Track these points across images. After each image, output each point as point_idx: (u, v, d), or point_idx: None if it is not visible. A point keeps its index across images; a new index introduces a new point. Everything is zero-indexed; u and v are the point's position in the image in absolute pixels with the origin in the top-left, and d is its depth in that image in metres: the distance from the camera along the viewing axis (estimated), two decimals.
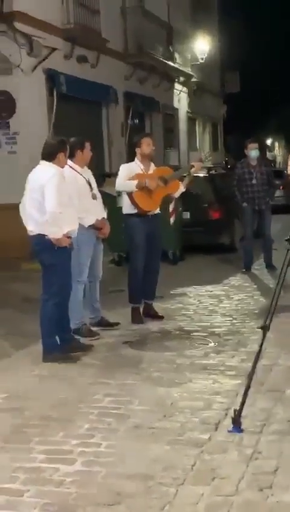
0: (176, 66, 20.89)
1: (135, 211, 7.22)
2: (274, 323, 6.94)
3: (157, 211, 7.44)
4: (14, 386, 5.30)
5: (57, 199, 5.75)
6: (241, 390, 4.72)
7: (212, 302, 8.39)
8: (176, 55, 21.46)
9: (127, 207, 7.30)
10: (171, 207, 11.92)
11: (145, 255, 7.32)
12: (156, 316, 7.47)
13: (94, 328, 6.90)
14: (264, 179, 10.48)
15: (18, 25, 12.36)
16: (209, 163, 7.13)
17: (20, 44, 12.40)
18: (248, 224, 10.65)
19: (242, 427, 4.18)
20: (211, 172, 13.93)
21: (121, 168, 7.38)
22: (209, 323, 7.24)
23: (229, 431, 4.18)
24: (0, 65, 12.30)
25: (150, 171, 7.33)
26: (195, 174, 7.70)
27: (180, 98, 23.02)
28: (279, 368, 5.55)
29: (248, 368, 5.46)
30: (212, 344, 6.35)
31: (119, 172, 7.30)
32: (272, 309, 4.35)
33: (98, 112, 16.41)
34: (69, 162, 6.57)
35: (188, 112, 24.03)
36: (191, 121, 24.75)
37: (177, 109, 22.72)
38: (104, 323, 7.02)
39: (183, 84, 22.87)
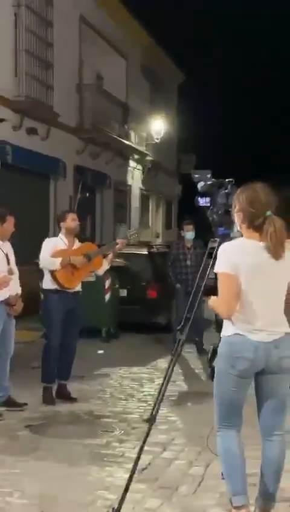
0: (130, 144, 21.14)
1: (55, 287, 7.04)
2: (187, 413, 6.81)
3: (79, 288, 7.27)
4: None
5: None
6: (134, 485, 4.46)
7: (132, 386, 8.13)
8: (132, 134, 21.77)
9: (47, 282, 7.12)
10: (106, 284, 11.79)
11: (63, 333, 7.10)
12: (68, 398, 7.18)
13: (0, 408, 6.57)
14: (199, 260, 10.43)
15: None
16: (136, 240, 6.99)
17: None
18: (180, 306, 10.51)
19: None
20: (151, 250, 13.90)
21: (44, 242, 7.21)
22: (122, 409, 6.97)
23: None
24: None
25: (74, 247, 7.21)
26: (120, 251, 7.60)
27: (134, 175, 23.24)
28: (179, 462, 5.30)
29: (148, 460, 5.24)
30: (117, 432, 6.07)
31: (43, 248, 7.14)
32: (159, 400, 4.13)
33: (45, 184, 16.37)
34: None
35: (141, 189, 24.22)
36: (144, 198, 24.94)
37: (130, 186, 22.89)
38: (11, 403, 6.70)
39: (137, 161, 23.13)
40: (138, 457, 4.16)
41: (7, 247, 6.65)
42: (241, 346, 3.73)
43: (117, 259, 12.78)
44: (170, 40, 25.86)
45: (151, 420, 4.13)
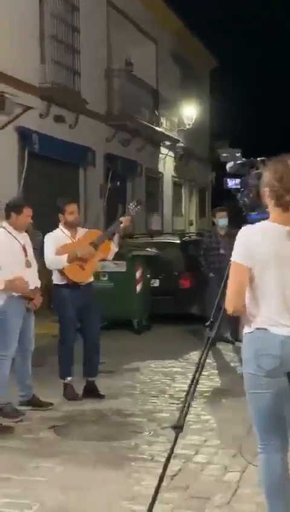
0: (161, 130, 20.68)
1: (65, 281, 6.68)
2: (222, 411, 6.40)
3: (91, 279, 6.89)
4: None
5: None
6: (163, 495, 4.08)
7: (164, 381, 7.75)
8: (163, 120, 21.30)
9: (56, 277, 6.76)
10: (138, 274, 11.42)
11: (81, 329, 6.75)
12: (96, 395, 6.82)
13: (23, 408, 6.25)
14: (233, 248, 9.96)
15: None
16: (136, 213, 6.34)
17: None
18: (214, 296, 10.05)
19: None
20: (184, 239, 13.48)
21: (46, 239, 6.77)
22: (152, 407, 6.58)
23: None
24: None
25: (78, 236, 6.83)
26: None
27: (166, 162, 22.76)
28: (213, 467, 4.89)
29: (179, 465, 4.86)
30: (146, 433, 5.68)
31: (46, 246, 6.69)
32: (187, 406, 3.72)
33: (74, 173, 16.01)
34: (5, 223, 6.08)
35: (173, 177, 23.75)
36: (176, 185, 24.47)
37: (161, 173, 22.44)
38: (36, 403, 6.36)
39: (169, 148, 22.65)
40: (165, 467, 3.77)
41: (24, 238, 6.29)
42: (265, 342, 3.25)
43: (148, 249, 12.47)
44: (201, 23, 25.26)
45: (178, 428, 3.72)
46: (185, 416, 3.75)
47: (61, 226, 6.82)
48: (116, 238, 6.87)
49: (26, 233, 6.32)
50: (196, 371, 3.77)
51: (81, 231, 6.90)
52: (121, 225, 6.78)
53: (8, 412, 5.98)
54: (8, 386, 6.10)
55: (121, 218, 6.85)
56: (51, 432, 5.69)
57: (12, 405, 6.10)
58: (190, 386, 3.79)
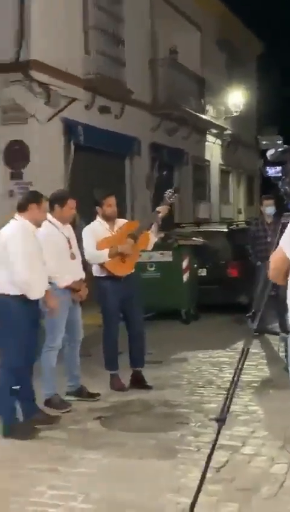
0: (207, 118, 20.49)
1: (105, 274, 6.67)
2: (269, 402, 6.32)
3: (132, 271, 6.85)
4: None
5: (24, 264, 5.27)
6: (208, 487, 4.05)
7: (211, 371, 7.70)
8: (209, 108, 21.11)
9: (96, 269, 6.75)
10: (184, 263, 11.37)
11: (125, 321, 6.76)
12: (143, 386, 6.82)
13: (71, 398, 6.29)
14: (276, 236, 9.81)
15: (35, 74, 12.11)
16: (173, 200, 6.26)
17: (36, 94, 12.14)
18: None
19: None
20: (231, 227, 13.36)
21: (84, 233, 6.70)
22: (199, 397, 6.54)
23: None
24: (14, 114, 12.03)
25: (116, 228, 6.78)
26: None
27: (213, 150, 22.58)
28: (260, 459, 4.83)
29: (226, 457, 4.82)
30: (193, 424, 5.65)
31: (85, 240, 6.63)
32: (230, 397, 3.67)
33: (120, 164, 16.01)
34: (49, 216, 6.08)
35: (221, 165, 23.54)
36: (224, 173, 24.24)
37: (209, 161, 22.26)
38: (83, 393, 6.40)
39: (216, 136, 22.45)
40: (209, 459, 3.73)
41: (69, 230, 6.30)
42: None
43: (195, 238, 12.39)
44: (246, 7, 24.86)
45: (221, 421, 3.68)
46: (229, 408, 3.71)
47: (99, 219, 6.78)
48: (154, 227, 6.81)
49: (70, 226, 6.34)
50: (238, 364, 3.72)
51: (119, 222, 6.86)
52: (159, 214, 6.72)
53: (56, 402, 6.03)
54: (55, 377, 6.14)
55: (158, 208, 6.78)
56: (97, 423, 5.72)
57: (59, 396, 6.15)
58: (232, 379, 3.74)
